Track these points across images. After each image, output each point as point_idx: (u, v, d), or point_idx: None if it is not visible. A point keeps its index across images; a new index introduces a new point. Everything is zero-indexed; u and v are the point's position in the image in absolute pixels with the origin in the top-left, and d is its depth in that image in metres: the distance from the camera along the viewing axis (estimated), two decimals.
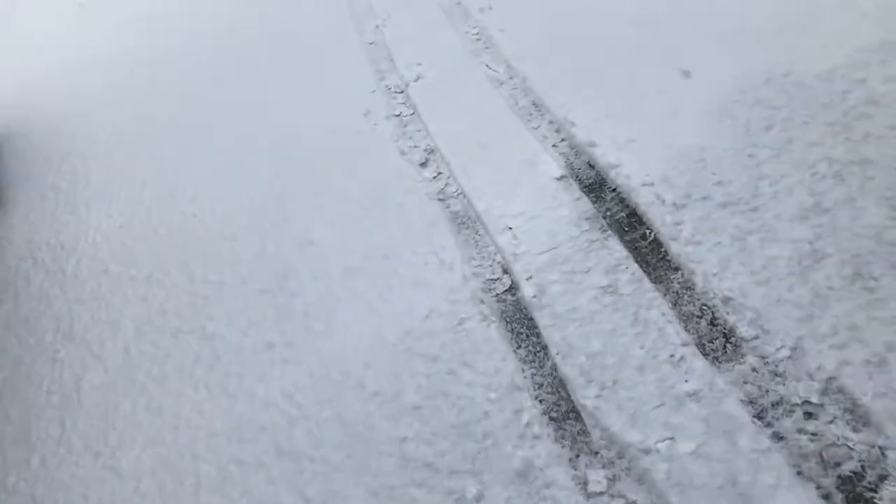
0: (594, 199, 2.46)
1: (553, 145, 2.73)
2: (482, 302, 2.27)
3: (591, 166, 2.58)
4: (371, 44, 3.89)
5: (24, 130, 4.65)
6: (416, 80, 3.44)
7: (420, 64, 3.54)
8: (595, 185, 2.51)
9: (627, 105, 2.69)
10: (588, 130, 2.68)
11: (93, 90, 4.62)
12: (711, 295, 2.00)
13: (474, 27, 3.59)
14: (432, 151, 2.97)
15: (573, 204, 2.45)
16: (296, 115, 3.53)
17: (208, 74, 4.20)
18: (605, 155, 2.55)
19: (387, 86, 3.51)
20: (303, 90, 3.71)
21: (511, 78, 3.18)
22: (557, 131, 2.78)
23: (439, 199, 2.73)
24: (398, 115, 3.27)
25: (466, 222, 2.61)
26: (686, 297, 2.05)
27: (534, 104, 2.96)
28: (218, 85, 4.06)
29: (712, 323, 1.96)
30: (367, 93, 3.50)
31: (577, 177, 2.57)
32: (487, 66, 3.31)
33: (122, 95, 4.42)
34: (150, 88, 4.35)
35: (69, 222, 3.64)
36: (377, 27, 3.99)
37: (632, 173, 2.42)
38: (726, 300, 1.97)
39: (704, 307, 2.00)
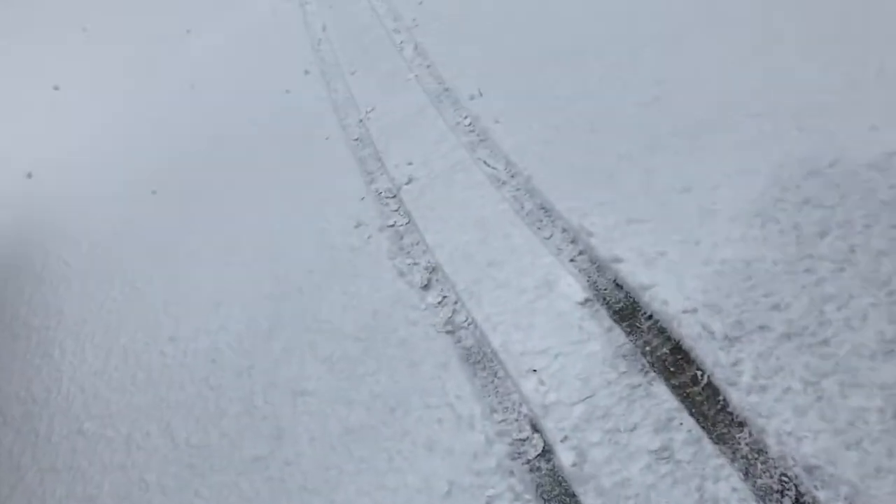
0: (628, 330, 2.10)
1: (570, 259, 2.38)
2: (512, 473, 1.90)
3: (619, 286, 2.23)
4: (356, 140, 3.58)
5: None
6: (408, 183, 3.12)
7: (411, 163, 3.22)
8: (626, 310, 2.16)
9: (649, 207, 2.36)
10: (609, 241, 2.33)
11: (67, 198, 4.29)
12: (791, 462, 1.63)
13: (465, 116, 3.28)
14: (434, 270, 2.63)
15: (604, 336, 2.10)
16: (283, 231, 3.22)
17: (191, 183, 3.88)
18: (633, 273, 2.20)
19: (377, 190, 3.19)
20: (290, 199, 3.40)
21: (513, 176, 2.85)
22: (573, 242, 2.44)
23: (448, 332, 2.37)
24: (392, 226, 2.93)
25: (482, 361, 2.25)
26: (759, 463, 1.68)
27: (542, 208, 2.63)
28: (200, 195, 3.74)
29: (798, 502, 1.57)
30: (356, 199, 3.18)
31: (604, 300, 2.22)
32: (485, 162, 2.99)
33: (99, 206, 4.08)
34: (129, 198, 4.03)
35: (41, 367, 3.28)
36: (361, 121, 3.68)
37: (669, 297, 2.06)
38: (811, 469, 1.59)
39: (785, 479, 1.63)
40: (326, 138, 3.66)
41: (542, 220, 2.63)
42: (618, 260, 2.29)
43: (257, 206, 3.46)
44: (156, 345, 3.03)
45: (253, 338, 2.79)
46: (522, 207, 2.72)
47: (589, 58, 3.20)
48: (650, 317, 2.13)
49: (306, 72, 4.22)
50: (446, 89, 3.55)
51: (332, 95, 4.00)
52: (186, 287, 3.24)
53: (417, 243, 2.84)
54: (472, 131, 3.23)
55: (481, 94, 3.34)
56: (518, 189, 2.82)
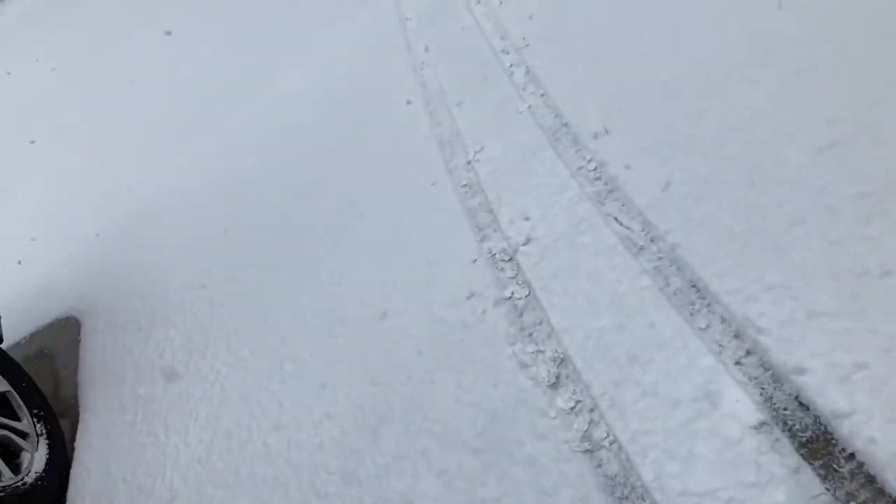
0: (822, 473, 1.59)
1: (736, 363, 1.88)
2: None
3: (804, 406, 1.71)
4: (464, 187, 3.17)
5: (105, 305, 4.18)
6: (525, 243, 2.69)
7: (528, 217, 2.78)
8: (818, 442, 1.66)
9: (838, 296, 1.84)
10: (786, 342, 1.82)
11: (170, 242, 4.12)
12: None
13: (589, 160, 2.80)
14: (562, 362, 2.19)
15: (791, 479, 1.62)
16: (390, 297, 2.84)
17: (285, 237, 3.65)
18: (823, 391, 1.69)
19: (490, 250, 2.77)
20: (390, 259, 3.06)
21: (652, 241, 2.35)
22: (737, 337, 1.93)
23: (585, 451, 1.93)
24: (510, 298, 2.52)
25: (631, 497, 1.79)
26: None
27: (693, 286, 2.13)
28: (298, 251, 3.45)
29: None
30: (467, 262, 2.78)
31: (786, 425, 1.72)
32: (617, 220, 2.51)
33: (188, 256, 3.87)
34: (214, 248, 3.78)
35: (147, 446, 3.10)
36: (469, 163, 3.27)
37: (877, 433, 1.55)
38: None
39: None
40: (433, 184, 3.27)
41: (694, 304, 2.13)
42: (801, 371, 1.78)
43: (363, 265, 3.11)
44: (259, 433, 2.76)
45: (359, 434, 2.47)
46: (668, 284, 2.23)
47: (738, 86, 2.63)
48: (851, 456, 1.61)
49: (408, 102, 3.84)
50: (565, 124, 3.08)
51: (437, 130, 3.60)
52: (290, 363, 2.94)
53: (540, 323, 2.41)
54: (599, 179, 2.76)
55: (607, 132, 2.86)
56: (660, 258, 2.33)
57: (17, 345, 4.49)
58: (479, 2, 4.27)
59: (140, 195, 4.97)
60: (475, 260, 2.80)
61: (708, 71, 2.79)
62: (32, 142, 6.89)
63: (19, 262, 5.13)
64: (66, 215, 5.45)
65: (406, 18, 4.58)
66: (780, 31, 2.75)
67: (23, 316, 4.71)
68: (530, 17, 3.74)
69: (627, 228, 2.51)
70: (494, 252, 2.80)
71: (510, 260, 2.72)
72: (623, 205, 2.61)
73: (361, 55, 4.54)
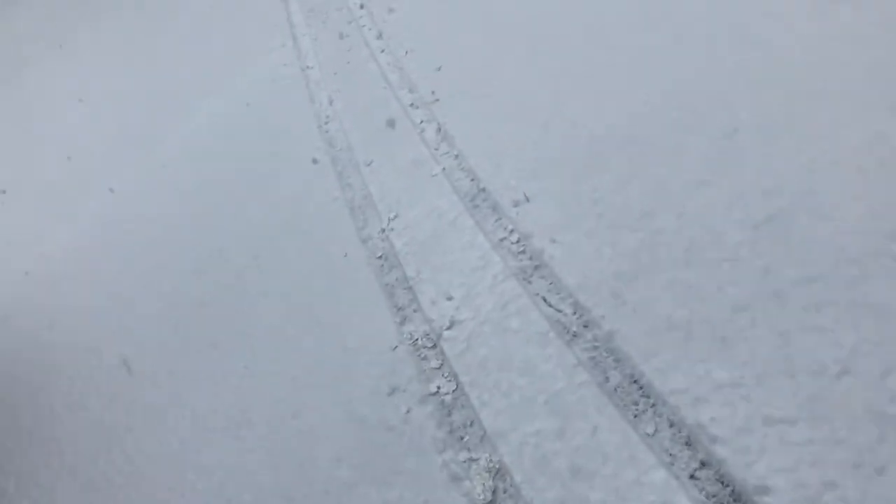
0: None
1: (691, 476, 1.68)
2: None
3: None
4: (380, 259, 2.91)
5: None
6: (449, 327, 2.44)
7: (450, 297, 2.53)
8: None
9: (795, 397, 1.71)
10: (745, 453, 1.64)
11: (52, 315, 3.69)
12: None
13: (511, 231, 2.59)
14: (499, 473, 1.94)
15: None
16: (302, 391, 2.58)
17: (185, 315, 3.27)
18: None
19: (411, 335, 2.51)
20: (301, 343, 2.75)
21: (586, 326, 2.14)
22: (689, 445, 1.74)
23: None
24: (436, 394, 2.27)
25: None
26: None
27: (634, 382, 1.93)
28: (198, 331, 3.11)
29: None
30: (386, 349, 2.51)
31: None
32: (546, 300, 2.29)
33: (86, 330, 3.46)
34: (115, 326, 3.39)
35: None
36: (383, 231, 3.00)
37: None
38: None
39: None
40: (345, 255, 3.00)
41: (638, 404, 1.93)
42: (764, 490, 1.60)
43: (269, 350, 2.78)
44: None
45: None
46: (607, 380, 2.02)
47: (665, 151, 2.47)
48: None
49: (315, 161, 3.55)
50: (482, 189, 2.86)
51: (347, 193, 3.32)
52: (192, 472, 2.57)
53: (471, 424, 2.16)
54: (523, 253, 2.54)
55: (528, 200, 2.65)
56: (596, 347, 2.12)
57: None
58: (383, 50, 4.02)
59: (24, 262, 4.46)
60: (395, 347, 2.53)
61: (632, 133, 2.64)
62: None
63: None
64: None
65: (308, 67, 4.28)
66: (708, 89, 2.61)
67: None
68: (438, 69, 3.51)
69: (558, 311, 2.29)
70: (416, 337, 2.53)
71: (434, 347, 2.46)
72: (551, 283, 2.40)
73: (263, 106, 4.23)
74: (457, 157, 3.14)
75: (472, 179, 2.98)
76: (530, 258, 2.54)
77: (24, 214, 5.12)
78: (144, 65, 5.93)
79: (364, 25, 4.34)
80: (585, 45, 3.09)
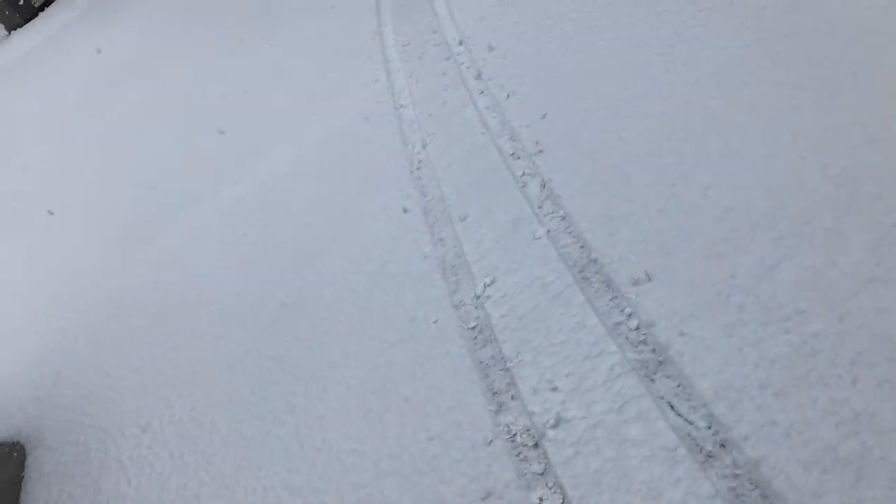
0: None
1: None
2: None
3: None
4: (473, 329, 2.59)
5: (54, 434, 3.53)
6: (554, 426, 2.12)
7: (555, 388, 2.19)
8: None
9: None
10: None
11: (127, 358, 3.49)
12: None
13: (630, 315, 2.23)
14: None
15: None
16: (376, 479, 2.44)
17: (242, 371, 2.99)
18: None
19: (508, 428, 2.19)
20: (383, 420, 2.48)
21: (723, 446, 1.79)
22: None
23: None
24: None
25: None
26: None
27: None
28: (261, 401, 2.89)
29: None
30: (480, 442, 2.21)
31: None
32: (673, 407, 1.92)
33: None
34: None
35: None
36: (478, 297, 2.69)
37: None
38: None
39: None
40: (434, 322, 2.68)
41: None
42: None
43: (348, 424, 2.51)
44: None
45: None
46: None
47: (821, 231, 2.06)
48: None
49: (405, 210, 3.26)
50: (594, 260, 2.51)
51: (439, 250, 3.02)
52: None
53: None
54: (644, 343, 2.17)
55: (649, 279, 2.29)
56: (737, 475, 1.75)
57: None
58: (482, 92, 3.72)
59: (98, 294, 4.33)
60: (490, 441, 2.20)
61: (778, 209, 2.25)
62: None
63: None
64: (21, 310, 4.79)
65: (401, 105, 4.02)
66: (876, 164, 2.19)
67: None
68: (543, 117, 3.19)
69: (689, 423, 1.92)
70: (515, 432, 2.20)
71: (536, 447, 2.13)
72: (680, 386, 2.02)
73: (353, 144, 4.00)
74: (563, 218, 2.80)
75: (582, 247, 2.64)
76: (653, 351, 2.17)
77: (83, 242, 5.03)
78: (233, 94, 5.82)
79: (462, 63, 4.06)
80: (719, 99, 2.71)
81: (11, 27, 12.12)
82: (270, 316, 3.28)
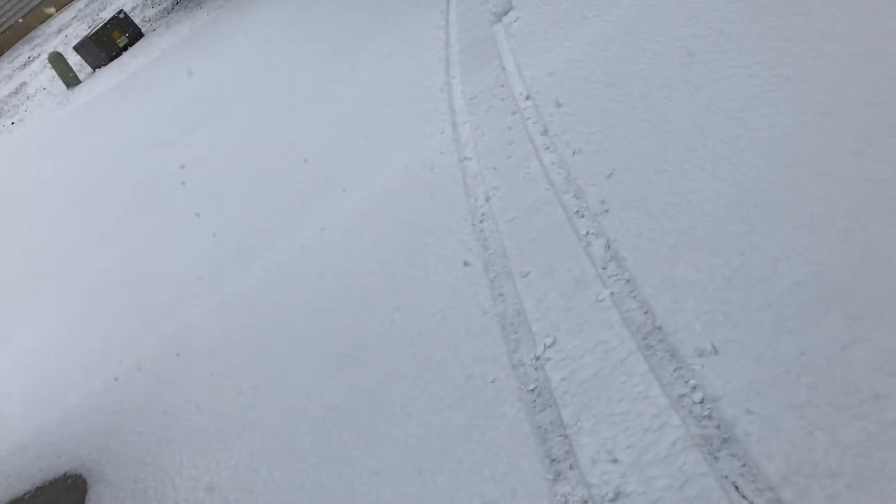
0: None
1: None
2: None
3: None
4: (532, 392, 2.58)
5: (114, 469, 3.60)
6: (613, 499, 2.10)
7: (615, 460, 2.17)
8: None
9: None
10: None
11: (189, 401, 3.57)
12: None
13: (694, 387, 2.19)
14: None
15: None
16: None
17: (308, 422, 3.06)
18: None
19: (566, 499, 2.19)
20: (437, 481, 2.47)
21: None
22: None
23: None
24: None
25: None
26: None
27: None
28: (318, 452, 2.97)
29: None
30: None
31: None
32: (737, 488, 1.90)
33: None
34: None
35: None
36: (538, 359, 2.67)
37: None
38: None
39: None
40: (492, 381, 2.67)
41: None
42: None
43: (404, 485, 2.53)
44: None
45: None
46: None
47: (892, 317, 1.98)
48: None
49: (466, 263, 3.27)
50: (658, 327, 2.46)
51: (499, 307, 3.01)
52: None
53: None
54: (709, 418, 2.11)
55: (716, 351, 2.22)
56: None
57: (20, 499, 3.96)
58: (548, 148, 3.74)
59: (164, 331, 4.46)
60: None
61: (854, 285, 2.17)
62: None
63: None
64: (84, 351, 4.96)
65: (466, 157, 4.06)
66: None
67: (33, 462, 4.19)
68: (609, 176, 3.17)
69: None
70: (571, 503, 2.13)
71: None
72: (745, 466, 1.96)
73: (417, 194, 4.04)
74: (628, 282, 2.77)
75: (647, 313, 2.60)
76: (718, 427, 2.11)
77: (155, 280, 5.18)
78: (307, 134, 5.98)
79: (529, 118, 4.09)
80: (793, 167, 2.65)
81: (96, 65, 12.76)
82: (334, 364, 3.31)
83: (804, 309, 2.24)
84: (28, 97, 14.07)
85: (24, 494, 4.04)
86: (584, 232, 3.19)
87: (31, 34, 20.12)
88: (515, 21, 5.22)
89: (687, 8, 3.92)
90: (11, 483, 4.14)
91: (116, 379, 4.34)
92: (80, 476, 3.91)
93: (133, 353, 4.51)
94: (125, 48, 12.99)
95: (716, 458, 2.06)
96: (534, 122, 4.06)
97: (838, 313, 2.16)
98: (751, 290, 2.41)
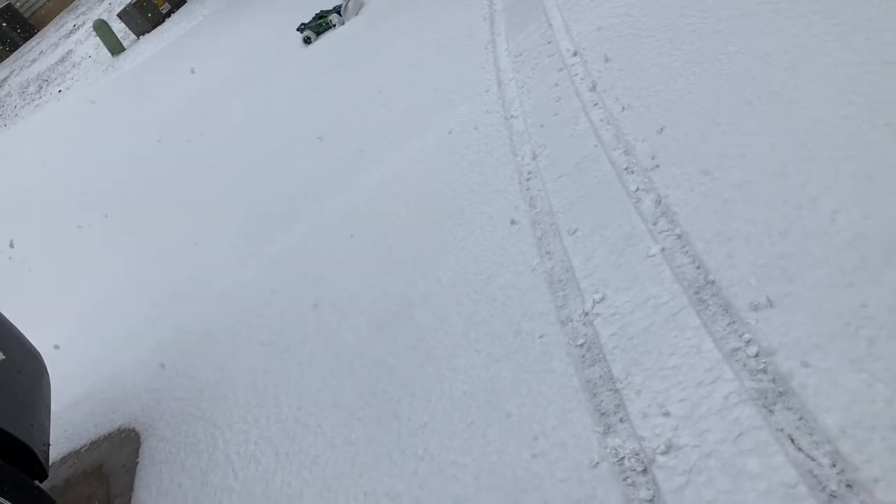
0: None
1: None
2: None
3: None
4: (581, 347, 2.58)
5: (167, 423, 3.72)
6: (665, 452, 2.14)
7: (667, 413, 2.16)
8: None
9: None
10: None
11: (239, 352, 3.66)
12: None
13: (749, 341, 2.18)
14: None
15: None
16: (475, 492, 2.45)
17: (356, 379, 3.26)
18: None
19: (616, 451, 2.22)
20: (486, 432, 2.50)
21: (850, 487, 1.75)
22: None
23: None
24: None
25: None
26: None
27: None
28: (366, 405, 3.10)
29: None
30: (585, 464, 2.26)
31: None
32: (793, 442, 1.87)
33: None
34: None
35: None
36: (586, 314, 2.68)
37: None
38: None
39: None
40: (540, 337, 2.67)
41: None
42: None
43: (451, 437, 2.56)
44: None
45: None
46: None
47: None
48: None
49: (513, 221, 3.26)
50: (711, 282, 2.43)
51: (547, 263, 3.00)
52: None
53: None
54: (764, 372, 2.08)
55: (771, 304, 2.19)
56: None
57: (76, 452, 4.11)
58: (596, 104, 3.67)
59: (215, 290, 4.56)
60: (596, 463, 2.17)
61: None
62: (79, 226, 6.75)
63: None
64: (144, 301, 5.09)
65: (512, 116, 4.02)
66: None
67: (87, 417, 4.34)
68: (660, 131, 3.11)
69: (811, 459, 1.83)
70: (622, 455, 2.16)
71: (644, 472, 2.08)
72: (801, 419, 1.94)
73: (462, 153, 4.02)
74: (679, 237, 2.72)
75: (699, 268, 2.55)
76: (773, 381, 2.08)
77: (208, 238, 5.26)
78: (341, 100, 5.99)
79: (576, 75, 4.02)
80: (852, 119, 2.56)
81: (140, 32, 12.90)
82: (379, 322, 3.34)
83: (864, 262, 2.18)
84: (74, 65, 14.30)
85: (81, 448, 4.18)
86: (633, 188, 3.14)
87: (75, 2, 20.38)
88: None
89: None
90: (68, 437, 4.30)
91: (168, 338, 4.44)
92: (134, 430, 4.03)
93: (184, 313, 4.60)
94: (168, 14, 13.09)
95: (771, 411, 2.03)
96: (581, 79, 4.00)
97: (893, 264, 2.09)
98: (808, 243, 2.35)
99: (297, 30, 8.07)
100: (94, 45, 14.10)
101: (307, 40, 7.89)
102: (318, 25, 7.83)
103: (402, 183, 4.34)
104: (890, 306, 2.03)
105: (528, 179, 3.67)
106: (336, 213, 4.48)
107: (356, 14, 7.74)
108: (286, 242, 4.55)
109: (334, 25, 7.81)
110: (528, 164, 3.76)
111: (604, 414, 2.37)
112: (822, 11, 3.13)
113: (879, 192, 2.33)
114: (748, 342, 2.24)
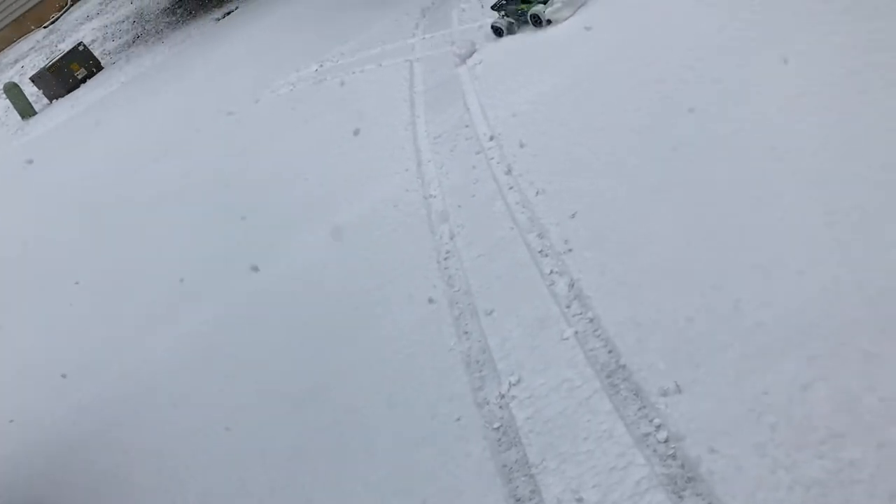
0: None
1: None
2: None
3: None
4: (497, 430, 2.59)
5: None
6: None
7: (580, 499, 2.22)
8: None
9: None
10: None
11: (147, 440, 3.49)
12: None
13: (658, 426, 2.29)
14: None
15: None
16: None
17: (269, 463, 3.03)
18: None
19: None
20: None
21: None
22: None
23: None
24: None
25: None
26: None
27: None
28: (286, 495, 2.95)
29: None
30: None
31: None
32: None
33: None
34: None
35: None
36: (503, 397, 2.69)
37: None
38: None
39: None
40: (458, 419, 2.68)
41: None
42: None
43: None
44: None
45: None
46: None
47: (859, 353, 2.04)
48: None
49: (431, 300, 3.26)
50: (622, 366, 2.49)
51: (464, 344, 3.02)
52: None
53: None
54: (673, 458, 2.14)
55: (679, 390, 2.25)
56: None
57: None
58: (512, 188, 3.78)
59: (118, 370, 4.35)
60: None
61: (809, 325, 2.21)
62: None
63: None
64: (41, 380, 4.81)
65: (431, 195, 4.09)
66: None
67: None
68: (573, 216, 3.22)
69: None
70: None
71: None
72: None
73: (382, 230, 4.02)
74: (592, 321, 2.80)
75: (611, 352, 2.62)
76: (682, 466, 2.14)
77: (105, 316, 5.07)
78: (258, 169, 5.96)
79: (493, 158, 4.15)
80: (746, 213, 2.72)
81: (53, 97, 12.59)
82: (295, 402, 3.26)
83: (765, 349, 2.29)
84: None
85: None
86: (547, 271, 3.22)
87: None
88: (479, 63, 5.31)
89: (654, 51, 4.03)
90: None
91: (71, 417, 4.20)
92: None
93: (86, 392, 4.38)
94: (84, 80, 12.83)
95: (680, 497, 2.08)
96: (497, 162, 4.12)
97: (798, 354, 2.22)
98: (713, 330, 2.45)
99: (493, 7, 5.54)
100: (4, 107, 13.63)
101: (498, 32, 5.53)
102: (519, 11, 5.28)
103: (320, 260, 4.31)
104: (789, 394, 2.12)
105: (446, 258, 3.72)
106: (253, 292, 4.39)
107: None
108: (194, 325, 4.42)
109: (540, 22, 5.25)
110: (446, 244, 3.81)
111: (519, 500, 2.37)
112: (733, 100, 3.35)
113: (777, 282, 2.46)
114: (658, 427, 2.30)
